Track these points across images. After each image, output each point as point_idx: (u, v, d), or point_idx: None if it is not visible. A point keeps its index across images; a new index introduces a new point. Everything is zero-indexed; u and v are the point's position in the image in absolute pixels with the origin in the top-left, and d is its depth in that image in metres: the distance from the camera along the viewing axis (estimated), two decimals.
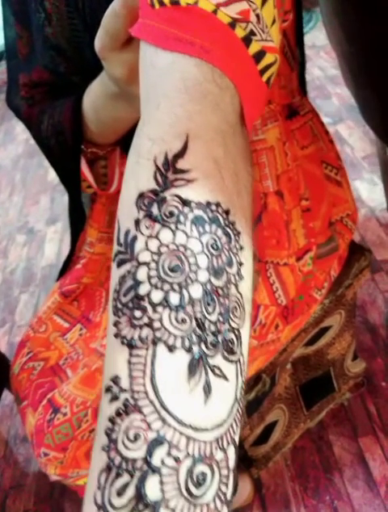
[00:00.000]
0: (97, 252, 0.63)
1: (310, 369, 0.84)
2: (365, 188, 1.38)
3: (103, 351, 0.59)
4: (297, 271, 0.57)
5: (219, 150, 0.24)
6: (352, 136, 1.57)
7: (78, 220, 0.61)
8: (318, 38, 2.04)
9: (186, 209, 0.22)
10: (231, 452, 0.20)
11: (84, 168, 0.52)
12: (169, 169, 0.23)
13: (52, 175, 2.00)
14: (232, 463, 0.20)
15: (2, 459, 1.09)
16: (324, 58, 1.99)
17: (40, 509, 0.98)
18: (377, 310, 1.10)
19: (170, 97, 0.24)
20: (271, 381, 0.75)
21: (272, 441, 0.87)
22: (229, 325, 0.22)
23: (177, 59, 0.25)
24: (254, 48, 0.25)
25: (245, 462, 0.88)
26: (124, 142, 0.52)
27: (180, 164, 0.23)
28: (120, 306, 0.21)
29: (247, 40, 0.25)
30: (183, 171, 0.23)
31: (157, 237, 0.22)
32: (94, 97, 0.46)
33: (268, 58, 0.26)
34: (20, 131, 2.41)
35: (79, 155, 0.50)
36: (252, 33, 0.25)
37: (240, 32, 0.25)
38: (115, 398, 0.20)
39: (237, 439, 0.21)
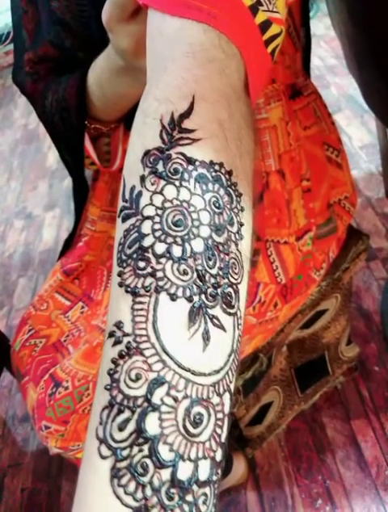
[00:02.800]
0: (99, 230, 0.63)
1: (305, 352, 0.86)
2: (362, 178, 1.39)
3: (105, 327, 0.59)
4: (296, 250, 0.58)
5: (224, 113, 0.24)
6: (350, 126, 1.57)
7: (82, 198, 0.61)
8: (317, 28, 2.03)
9: (190, 167, 0.23)
10: (226, 399, 0.21)
11: (87, 144, 0.52)
12: (175, 129, 0.23)
13: (51, 161, 1.99)
14: (227, 409, 0.21)
15: (0, 438, 1.10)
16: (324, 48, 1.98)
17: (38, 487, 0.99)
18: (371, 297, 1.11)
19: (177, 61, 0.25)
20: (267, 361, 0.76)
21: (267, 422, 0.89)
22: (229, 280, 0.22)
23: (185, 25, 0.25)
24: (260, 17, 0.26)
25: (240, 442, 0.89)
26: (128, 120, 0.53)
27: (186, 123, 0.23)
28: (124, 257, 0.22)
29: (254, 9, 0.25)
30: (188, 130, 0.23)
31: (161, 192, 0.22)
32: (100, 71, 0.46)
33: (274, 29, 0.26)
34: (18, 116, 2.39)
35: (83, 131, 0.50)
36: (259, 2, 0.26)
37: (247, 1, 0.25)
38: (118, 342, 0.21)
39: (232, 388, 0.22)
